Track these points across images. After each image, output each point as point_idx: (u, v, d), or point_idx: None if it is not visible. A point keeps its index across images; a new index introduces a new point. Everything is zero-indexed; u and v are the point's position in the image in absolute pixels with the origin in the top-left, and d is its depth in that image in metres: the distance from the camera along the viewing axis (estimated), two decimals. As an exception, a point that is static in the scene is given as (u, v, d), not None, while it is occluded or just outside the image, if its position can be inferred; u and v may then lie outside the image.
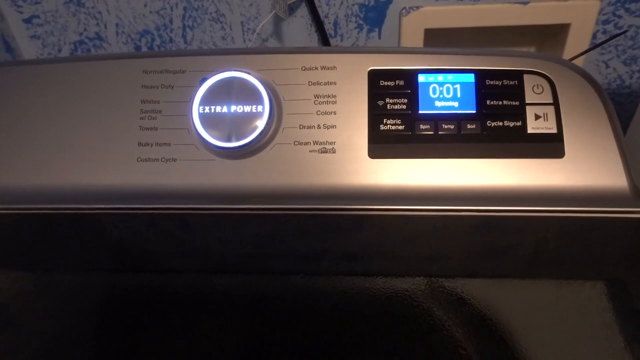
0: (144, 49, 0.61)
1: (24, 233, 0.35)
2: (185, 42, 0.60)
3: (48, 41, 0.62)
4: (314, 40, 0.59)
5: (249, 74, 0.35)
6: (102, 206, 0.35)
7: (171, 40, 0.60)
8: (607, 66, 0.57)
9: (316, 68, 0.36)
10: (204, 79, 0.35)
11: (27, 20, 0.60)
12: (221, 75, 0.35)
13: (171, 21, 0.59)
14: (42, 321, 0.35)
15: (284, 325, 0.31)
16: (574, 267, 0.30)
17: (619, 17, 0.53)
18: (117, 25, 0.60)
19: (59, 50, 0.62)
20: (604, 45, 0.55)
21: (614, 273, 0.29)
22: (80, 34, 0.61)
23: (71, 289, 0.35)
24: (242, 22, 0.58)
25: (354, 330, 0.31)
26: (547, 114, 0.34)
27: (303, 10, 0.57)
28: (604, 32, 0.54)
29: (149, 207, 0.35)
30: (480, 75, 0.35)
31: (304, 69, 0.36)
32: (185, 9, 0.58)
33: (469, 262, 0.32)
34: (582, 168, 0.33)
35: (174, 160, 0.36)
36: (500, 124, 0.34)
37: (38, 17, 0.60)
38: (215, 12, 0.58)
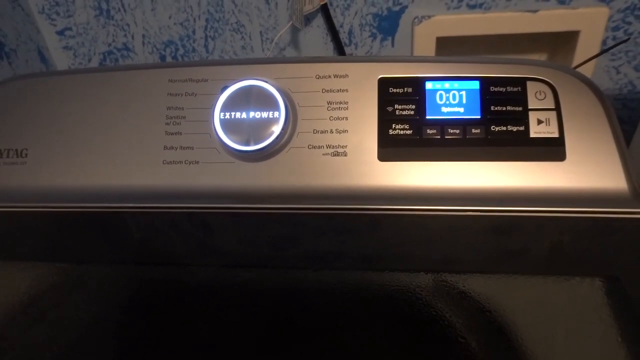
0: (169, 58, 0.64)
1: (58, 229, 0.38)
2: (207, 51, 0.63)
3: (79, 52, 0.65)
4: (329, 48, 0.61)
5: (266, 82, 0.37)
6: (130, 205, 0.38)
7: (194, 50, 0.63)
8: (618, 72, 0.58)
9: (329, 76, 0.38)
10: (225, 87, 0.38)
11: (60, 32, 0.64)
12: (240, 83, 0.37)
13: (194, 32, 0.62)
14: (74, 313, 0.37)
15: (303, 318, 0.33)
16: (573, 265, 0.31)
17: (629, 23, 0.54)
18: (143, 36, 0.63)
19: (89, 60, 0.66)
20: (614, 51, 0.56)
21: (611, 270, 0.30)
22: (109, 44, 0.64)
23: (101, 282, 0.38)
24: (260, 32, 0.61)
25: (369, 322, 0.32)
26: (549, 119, 0.35)
27: (319, 20, 0.59)
28: (614, 38, 0.55)
29: (173, 207, 0.38)
30: (485, 82, 0.36)
31: (318, 77, 0.38)
32: (207, 20, 0.61)
33: (473, 259, 0.34)
34: (582, 171, 0.34)
35: (197, 162, 0.38)
36: (504, 128, 0.36)
37: (70, 29, 0.63)
38: (236, 22, 0.61)
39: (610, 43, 0.55)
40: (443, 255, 0.34)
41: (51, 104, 0.41)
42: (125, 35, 0.63)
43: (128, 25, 0.62)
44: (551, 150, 0.35)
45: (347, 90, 0.37)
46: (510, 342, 0.29)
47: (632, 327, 0.27)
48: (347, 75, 0.38)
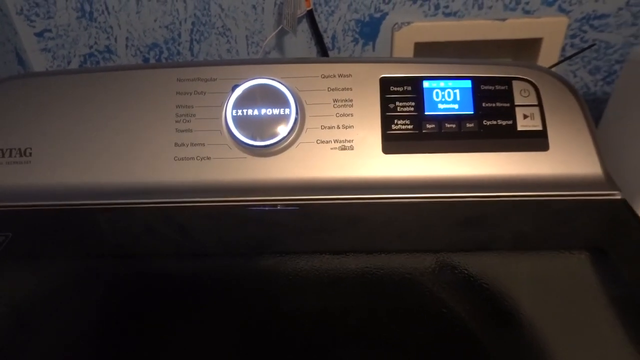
0: (152, 61, 0.65)
1: (73, 225, 0.38)
2: (192, 54, 0.64)
3: (58, 54, 0.64)
4: (313, 52, 0.64)
5: (276, 81, 0.39)
6: (141, 201, 0.39)
7: (179, 52, 0.64)
8: (575, 75, 0.64)
9: (334, 76, 0.40)
10: (236, 86, 0.40)
11: (39, 34, 0.63)
12: (252, 82, 0.39)
13: (179, 35, 0.63)
14: (87, 304, 0.37)
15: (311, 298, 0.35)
16: (560, 241, 0.35)
17: (585, 32, 0.61)
18: (127, 38, 0.63)
19: (68, 63, 0.65)
20: (572, 56, 0.62)
21: (596, 244, 0.35)
22: (91, 47, 0.64)
23: (110, 277, 0.38)
24: (246, 36, 0.63)
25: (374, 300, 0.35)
26: (533, 114, 0.40)
27: (303, 25, 0.62)
28: (572, 45, 0.62)
29: (184, 201, 0.39)
30: (476, 82, 0.40)
31: (324, 76, 0.40)
32: (193, 23, 0.62)
33: (470, 239, 0.37)
34: (564, 159, 0.39)
35: (209, 158, 0.40)
36: (495, 122, 0.39)
37: (50, 30, 0.63)
38: (222, 26, 0.62)
39: (569, 49, 0.61)
40: (443, 237, 0.37)
41: (56, 103, 0.41)
42: (108, 38, 0.63)
43: (111, 27, 0.62)
44: (536, 141, 0.39)
45: (351, 89, 0.40)
46: (506, 316, 0.32)
47: (617, 290, 0.31)
48: (350, 75, 0.40)
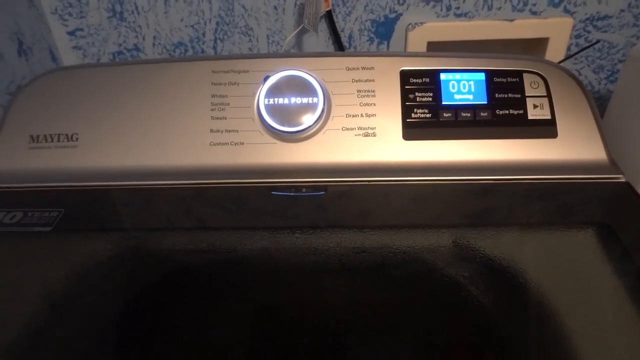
0: (177, 58, 0.68)
1: (119, 203, 0.41)
2: (216, 53, 0.68)
3: (88, 52, 0.68)
4: (331, 51, 0.67)
5: (305, 72, 0.43)
6: (178, 182, 0.42)
7: (203, 51, 0.68)
8: (580, 74, 0.68)
9: (358, 68, 0.44)
10: (267, 77, 0.43)
11: (71, 33, 0.66)
12: (283, 73, 0.43)
13: (204, 34, 0.66)
14: (130, 278, 0.39)
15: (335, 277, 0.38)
16: (571, 218, 0.38)
17: (589, 32, 0.64)
18: (154, 37, 0.67)
19: (98, 60, 0.69)
20: (577, 56, 0.65)
21: (603, 220, 0.38)
22: (120, 45, 0.67)
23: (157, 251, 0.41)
24: (267, 36, 0.66)
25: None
26: (542, 104, 0.43)
27: (322, 25, 0.65)
28: (577, 44, 0.65)
29: (218, 182, 0.42)
30: (489, 74, 0.43)
31: (348, 69, 0.44)
32: (217, 23, 0.65)
33: (482, 216, 0.40)
34: (571, 145, 0.42)
35: (242, 144, 0.43)
36: (507, 112, 0.43)
37: (82, 29, 0.66)
38: (245, 26, 0.65)
39: (574, 48, 0.65)
40: (461, 214, 0.40)
41: (100, 93, 0.44)
42: (136, 37, 0.67)
43: (140, 27, 0.66)
44: (545, 129, 0.42)
45: (373, 80, 0.43)
46: (517, 290, 0.35)
47: (621, 263, 0.34)
48: (373, 67, 0.44)
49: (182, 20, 0.65)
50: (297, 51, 0.67)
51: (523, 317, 0.33)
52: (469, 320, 0.33)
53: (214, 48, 0.67)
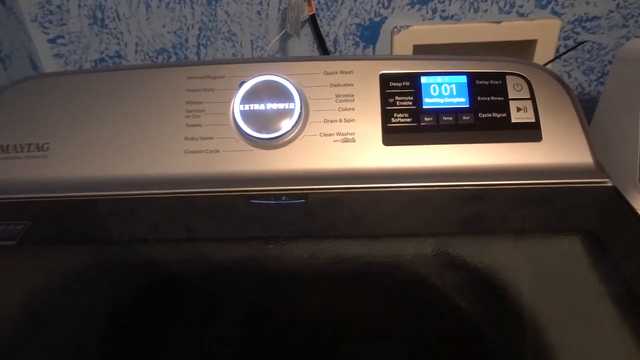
0: (160, 65, 0.67)
1: (90, 215, 0.40)
2: (199, 59, 0.67)
3: (70, 59, 0.67)
4: (316, 55, 0.66)
5: (282, 77, 0.41)
6: (152, 192, 0.41)
7: (186, 57, 0.67)
8: (569, 76, 0.66)
9: (336, 72, 0.42)
10: (243, 82, 0.42)
11: (52, 41, 0.65)
12: (258, 78, 0.41)
13: (187, 40, 0.65)
14: (99, 287, 0.38)
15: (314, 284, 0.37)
16: (555, 225, 0.37)
17: (577, 33, 0.63)
18: (136, 44, 0.66)
19: (80, 68, 0.68)
20: (566, 57, 0.64)
21: (588, 227, 0.36)
22: (102, 52, 0.66)
23: (122, 265, 0.40)
24: (251, 41, 0.65)
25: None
26: (526, 107, 0.41)
27: (306, 29, 0.64)
28: (565, 46, 0.64)
29: (195, 192, 0.41)
30: (471, 77, 0.42)
31: (326, 73, 0.42)
32: (200, 29, 0.64)
33: (464, 224, 0.38)
34: (556, 149, 0.41)
35: (217, 151, 0.42)
36: (489, 115, 0.41)
37: (63, 37, 0.65)
38: (228, 31, 0.64)
39: (562, 50, 0.64)
40: (444, 221, 0.39)
41: (71, 101, 0.43)
42: (118, 43, 0.66)
43: (122, 33, 0.65)
44: (529, 133, 0.41)
45: (352, 85, 0.42)
46: (501, 298, 0.34)
47: (606, 269, 0.33)
48: (352, 71, 0.42)
49: (164, 27, 0.64)
50: (282, 56, 0.66)
51: (505, 325, 0.31)
52: (447, 329, 0.31)
53: (197, 54, 0.66)
